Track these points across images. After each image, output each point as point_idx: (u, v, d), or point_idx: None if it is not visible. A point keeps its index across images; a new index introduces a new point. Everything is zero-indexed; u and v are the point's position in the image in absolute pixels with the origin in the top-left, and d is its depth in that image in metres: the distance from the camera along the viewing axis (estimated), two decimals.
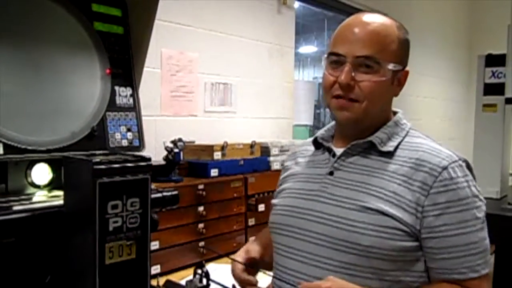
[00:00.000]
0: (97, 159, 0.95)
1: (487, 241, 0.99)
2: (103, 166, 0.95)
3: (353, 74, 1.02)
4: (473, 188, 1.00)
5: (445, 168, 0.99)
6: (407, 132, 1.09)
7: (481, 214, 0.99)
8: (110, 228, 0.96)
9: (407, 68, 1.09)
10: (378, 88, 1.03)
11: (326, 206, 1.03)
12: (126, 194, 0.98)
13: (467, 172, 1.02)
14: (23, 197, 1.16)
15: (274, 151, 2.38)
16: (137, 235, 1.01)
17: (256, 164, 2.25)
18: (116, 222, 0.97)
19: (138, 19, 1.49)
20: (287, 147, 2.46)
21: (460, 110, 5.32)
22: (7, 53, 1.17)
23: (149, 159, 1.03)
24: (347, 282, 0.94)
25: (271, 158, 2.34)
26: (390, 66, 1.03)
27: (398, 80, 1.08)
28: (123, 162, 0.99)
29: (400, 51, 1.07)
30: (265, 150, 2.34)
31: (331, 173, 1.07)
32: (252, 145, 2.26)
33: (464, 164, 1.03)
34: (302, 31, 4.94)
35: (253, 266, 1.15)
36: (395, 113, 1.14)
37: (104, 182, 0.95)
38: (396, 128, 1.08)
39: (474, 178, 1.03)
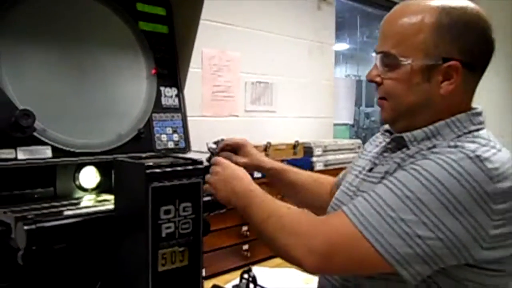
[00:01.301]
0: (150, 162, 0.92)
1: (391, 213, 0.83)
2: (156, 170, 0.91)
3: (381, 70, 0.96)
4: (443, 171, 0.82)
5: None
6: (459, 135, 0.92)
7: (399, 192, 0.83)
8: (163, 234, 0.93)
9: (452, 62, 0.90)
10: (399, 86, 0.93)
11: None
12: (179, 198, 0.95)
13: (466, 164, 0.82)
14: (72, 201, 1.14)
15: (317, 151, 2.32)
16: (190, 241, 0.98)
17: (299, 164, 2.12)
18: (168, 227, 0.94)
19: (183, 18, 1.45)
20: (330, 147, 2.39)
21: None
22: (53, 54, 1.15)
23: (201, 162, 1.00)
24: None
25: (314, 159, 2.30)
26: (408, 61, 0.91)
27: (444, 74, 0.91)
28: (175, 165, 0.95)
29: (435, 39, 0.90)
30: (308, 150, 2.29)
31: (370, 170, 1.02)
32: (295, 146, 2.21)
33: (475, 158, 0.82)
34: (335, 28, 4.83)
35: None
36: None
37: (157, 186, 0.91)
38: (444, 129, 0.93)
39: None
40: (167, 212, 0.93)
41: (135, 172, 0.93)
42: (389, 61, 0.94)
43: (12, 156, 1.04)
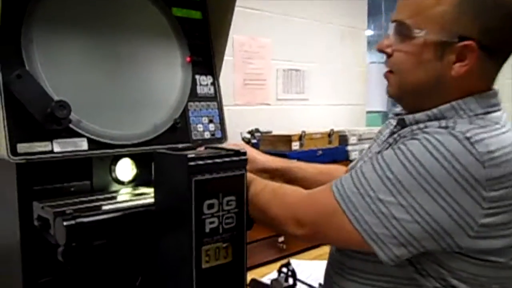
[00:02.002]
0: (192, 154, 0.87)
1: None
2: (198, 162, 0.86)
3: (393, 41, 0.90)
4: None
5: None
6: (466, 119, 0.84)
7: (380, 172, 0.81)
8: (207, 230, 0.88)
9: (469, 41, 0.82)
10: (408, 60, 0.87)
11: None
12: (223, 192, 0.90)
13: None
14: (108, 195, 1.11)
15: (352, 140, 2.25)
16: (234, 236, 0.93)
17: (335, 154, 2.15)
18: (212, 222, 0.89)
19: (217, 2, 1.39)
20: (365, 135, 2.31)
21: None
22: (88, 43, 1.11)
23: (245, 153, 0.94)
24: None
25: (350, 148, 2.24)
26: (422, 33, 0.84)
27: (458, 54, 0.83)
28: (219, 157, 0.90)
29: (455, 13, 0.82)
30: (343, 139, 2.22)
31: (379, 152, 0.95)
32: (330, 134, 2.14)
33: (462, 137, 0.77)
34: None
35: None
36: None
37: (200, 179, 0.86)
38: (449, 111, 0.86)
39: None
40: (210, 206, 0.88)
41: (177, 164, 0.88)
42: (402, 31, 0.87)
43: (48, 148, 1.01)
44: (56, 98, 1.00)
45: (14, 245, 1.02)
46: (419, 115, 0.89)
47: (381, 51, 0.93)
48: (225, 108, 2.00)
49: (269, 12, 2.28)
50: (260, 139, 1.85)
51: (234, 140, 1.86)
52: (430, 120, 0.87)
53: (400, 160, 0.79)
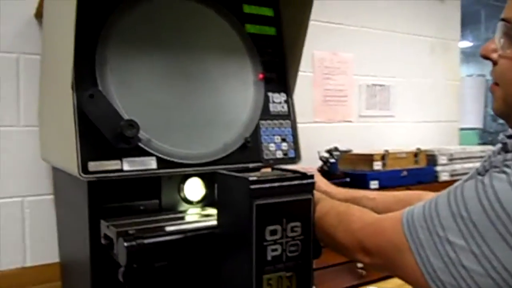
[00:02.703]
0: (254, 177, 0.82)
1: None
2: (261, 185, 0.82)
3: (500, 45, 0.75)
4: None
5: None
6: None
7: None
8: (269, 257, 0.83)
9: None
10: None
11: None
12: (287, 217, 0.85)
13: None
14: (176, 214, 1.11)
15: (441, 159, 2.10)
16: (298, 265, 0.87)
17: (421, 175, 2.00)
18: (275, 250, 0.83)
19: (292, 18, 1.36)
20: (457, 154, 2.14)
21: None
22: (159, 61, 1.13)
23: (312, 176, 0.89)
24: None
25: (439, 168, 2.08)
26: None
27: None
28: (283, 180, 0.85)
29: None
30: (431, 158, 2.08)
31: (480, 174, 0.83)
32: (416, 154, 2.01)
33: None
34: None
35: None
36: None
37: (262, 203, 0.82)
38: None
39: None
40: (273, 232, 0.83)
41: (238, 186, 0.84)
42: (510, 33, 0.73)
43: (118, 167, 1.02)
44: (126, 117, 1.02)
45: (84, 261, 1.04)
46: None
47: (484, 57, 0.78)
48: (303, 126, 1.97)
49: (351, 26, 2.21)
50: (339, 158, 1.78)
51: (310, 160, 1.80)
52: None
53: (479, 197, 0.66)
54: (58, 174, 1.31)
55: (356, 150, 2.01)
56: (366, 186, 1.81)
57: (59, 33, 1.08)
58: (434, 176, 2.06)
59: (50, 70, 1.21)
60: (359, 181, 1.84)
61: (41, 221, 1.45)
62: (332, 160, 1.77)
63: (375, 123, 2.31)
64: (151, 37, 1.12)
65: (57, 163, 1.23)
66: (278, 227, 0.83)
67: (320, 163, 1.80)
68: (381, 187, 1.84)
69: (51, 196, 1.44)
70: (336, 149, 1.80)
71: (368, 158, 1.91)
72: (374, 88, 2.30)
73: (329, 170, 1.77)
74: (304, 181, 0.88)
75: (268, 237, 0.82)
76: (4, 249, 1.40)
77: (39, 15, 1.37)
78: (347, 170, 1.91)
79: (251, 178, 0.81)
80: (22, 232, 1.43)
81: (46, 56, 1.27)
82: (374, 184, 1.84)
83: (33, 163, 1.43)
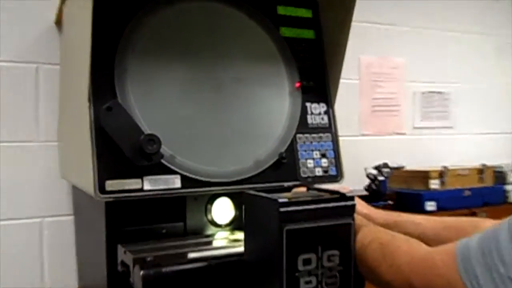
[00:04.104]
0: (284, 198, 0.81)
1: None
2: (292, 208, 0.80)
3: None
4: None
5: None
6: None
7: None
8: None
9: None
10: None
11: None
12: (322, 244, 0.82)
13: None
14: (202, 239, 1.11)
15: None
16: None
17: (487, 194, 1.95)
18: (309, 282, 0.81)
19: (332, 19, 1.35)
20: None
21: None
22: (185, 70, 1.14)
23: (352, 198, 0.86)
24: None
25: (509, 187, 2.02)
26: None
27: None
28: (319, 201, 0.84)
29: None
30: (499, 176, 2.03)
31: None
32: (481, 170, 1.97)
33: None
34: None
35: None
36: None
37: (293, 229, 0.80)
38: None
39: None
40: (306, 262, 0.81)
41: (267, 209, 0.83)
42: None
43: (138, 186, 1.03)
44: (148, 131, 1.03)
45: None
46: None
47: None
48: (348, 139, 1.94)
49: (402, 27, 2.17)
50: (389, 176, 1.75)
51: (355, 178, 1.77)
52: None
53: None
54: (77, 194, 1.34)
55: (409, 167, 1.98)
56: (421, 209, 1.78)
57: (75, 42, 1.11)
58: (503, 196, 2.01)
59: (67, 82, 1.25)
60: (413, 202, 1.82)
61: (60, 243, 1.48)
62: (381, 178, 1.76)
63: (431, 135, 2.26)
64: (174, 44, 1.14)
65: (75, 181, 1.26)
66: (312, 256, 0.81)
67: (367, 181, 1.79)
68: (440, 210, 1.81)
69: (71, 217, 1.47)
70: (385, 165, 1.79)
71: (424, 176, 1.88)
72: (430, 95, 2.26)
73: (377, 190, 1.75)
74: (344, 203, 0.86)
75: (301, 267, 0.80)
76: (21, 273, 1.44)
77: (59, 22, 1.41)
78: (399, 189, 1.89)
79: (280, 200, 0.80)
80: (40, 255, 1.47)
81: (64, 67, 1.31)
82: (430, 205, 1.81)
83: (53, 181, 1.46)
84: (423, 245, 0.82)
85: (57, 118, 1.43)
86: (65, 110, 1.29)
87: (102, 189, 0.98)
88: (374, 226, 0.92)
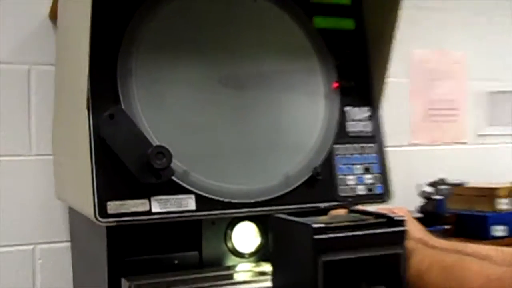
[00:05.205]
0: (320, 223, 0.81)
1: None
2: (329, 235, 0.80)
3: None
4: None
5: None
6: None
7: None
8: None
9: None
10: None
11: None
12: (367, 279, 0.83)
13: None
14: (221, 272, 1.11)
15: None
16: None
17: None
18: None
19: (376, 6, 1.35)
20: None
21: None
22: (197, 70, 1.15)
23: (402, 222, 0.86)
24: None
25: None
26: None
27: None
28: (361, 227, 0.84)
29: None
30: None
31: None
32: None
33: None
34: None
35: None
36: None
37: (331, 260, 0.80)
38: None
39: None
40: None
41: (299, 236, 0.83)
42: None
43: (146, 208, 1.03)
44: (156, 143, 1.04)
45: None
46: None
47: None
48: (396, 150, 1.95)
49: (463, 13, 2.15)
50: (447, 195, 1.76)
51: (405, 197, 1.75)
52: None
53: None
54: (75, 217, 1.36)
55: (472, 183, 1.95)
56: (485, 234, 1.80)
57: (72, 39, 1.13)
58: None
59: (63, 85, 1.27)
60: (477, 226, 1.84)
61: (55, 274, 1.50)
62: (437, 197, 1.76)
63: (499, 144, 2.27)
64: (187, 39, 1.15)
65: (72, 202, 1.27)
66: None
67: (420, 201, 1.80)
68: (511, 235, 1.82)
69: (68, 244, 1.49)
70: (443, 181, 1.80)
71: (490, 194, 1.90)
72: (498, 96, 2.26)
73: (433, 211, 1.76)
74: (392, 229, 0.86)
75: None
76: None
77: (53, 15, 1.44)
78: (459, 210, 1.90)
79: (315, 225, 0.80)
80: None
81: (60, 68, 1.33)
82: (498, 230, 1.82)
83: (47, 202, 1.49)
84: (498, 264, 0.83)
85: (51, 128, 1.45)
86: (61, 119, 1.31)
87: (103, 211, 0.99)
88: (431, 249, 0.91)
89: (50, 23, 1.49)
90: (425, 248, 0.92)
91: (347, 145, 1.27)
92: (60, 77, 1.33)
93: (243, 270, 1.14)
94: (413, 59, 2.07)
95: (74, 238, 1.44)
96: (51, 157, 1.46)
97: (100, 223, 0.99)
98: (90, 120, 1.02)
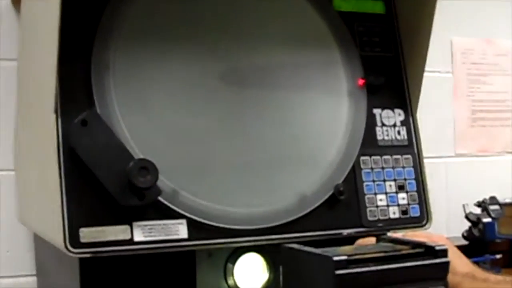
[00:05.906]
0: (343, 255, 0.83)
1: None
2: (354, 269, 0.82)
3: None
4: None
5: None
6: None
7: None
8: None
9: None
10: None
11: None
12: None
13: None
14: None
15: None
16: None
17: None
18: None
19: None
20: None
21: None
22: (189, 65, 1.15)
23: (445, 253, 0.87)
24: None
25: None
26: None
27: None
28: (394, 259, 0.87)
29: None
30: None
31: None
32: None
33: None
34: None
35: None
36: None
37: None
38: None
39: None
40: None
41: (317, 270, 0.86)
42: None
43: (127, 237, 1.03)
44: (139, 155, 1.03)
45: None
46: None
47: None
48: (438, 161, 1.95)
49: None
50: (500, 217, 1.75)
51: (447, 220, 1.75)
52: None
53: None
54: (41, 246, 1.35)
55: None
56: None
57: (38, 29, 1.12)
58: None
59: (27, 85, 1.27)
60: None
61: None
62: (487, 220, 1.75)
63: None
64: (178, 27, 1.15)
65: (38, 229, 1.27)
66: None
67: (466, 224, 1.79)
68: None
69: (34, 278, 1.48)
70: (493, 200, 1.79)
71: None
72: None
73: (481, 237, 1.75)
74: (432, 261, 0.88)
75: None
76: None
77: (16, 1, 1.43)
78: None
79: (336, 258, 0.82)
80: None
81: (23, 65, 1.32)
82: None
83: (8, 227, 1.47)
84: None
85: (12, 138, 1.44)
86: (24, 126, 1.31)
87: (74, 240, 0.98)
88: (482, 282, 0.96)
89: (12, 10, 1.49)
90: (474, 282, 0.94)
91: (376, 157, 1.28)
92: (23, 75, 1.33)
93: None
94: (455, 50, 2.08)
95: (41, 272, 1.43)
96: (12, 173, 1.45)
97: (72, 254, 0.98)
98: (59, 127, 1.01)
